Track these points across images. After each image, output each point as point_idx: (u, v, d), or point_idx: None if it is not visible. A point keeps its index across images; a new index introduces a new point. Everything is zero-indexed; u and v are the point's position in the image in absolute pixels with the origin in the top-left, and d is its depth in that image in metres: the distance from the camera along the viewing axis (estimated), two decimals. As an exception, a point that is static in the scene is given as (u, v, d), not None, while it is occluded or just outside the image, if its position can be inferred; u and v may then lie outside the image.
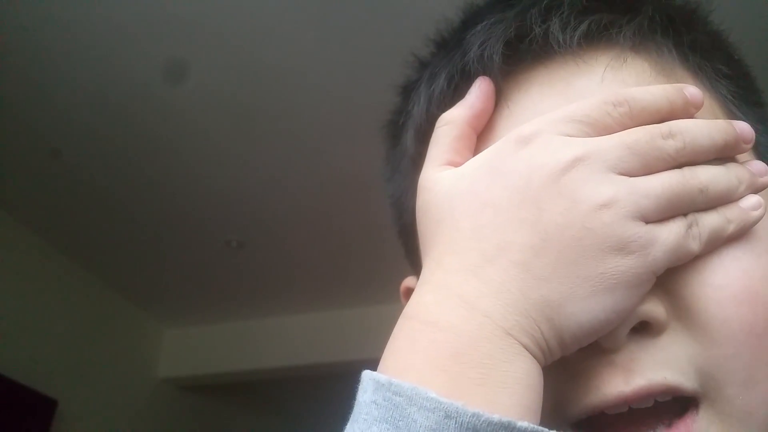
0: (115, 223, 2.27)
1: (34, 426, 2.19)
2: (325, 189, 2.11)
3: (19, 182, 2.09)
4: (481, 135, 0.39)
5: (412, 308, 0.32)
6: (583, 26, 0.37)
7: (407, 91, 0.46)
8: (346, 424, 0.29)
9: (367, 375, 0.30)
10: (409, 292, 0.45)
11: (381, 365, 0.30)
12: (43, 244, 2.35)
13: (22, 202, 2.18)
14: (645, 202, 0.31)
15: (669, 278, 0.32)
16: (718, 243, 0.32)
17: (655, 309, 0.31)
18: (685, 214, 0.32)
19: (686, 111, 0.35)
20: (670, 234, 0.31)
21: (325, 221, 2.25)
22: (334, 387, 2.93)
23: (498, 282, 0.30)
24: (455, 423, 0.26)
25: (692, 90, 0.35)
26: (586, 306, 0.29)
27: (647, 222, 0.31)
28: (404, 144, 0.43)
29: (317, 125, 1.88)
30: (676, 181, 0.32)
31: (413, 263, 0.45)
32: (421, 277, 0.33)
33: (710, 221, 0.32)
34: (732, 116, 0.38)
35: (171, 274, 2.58)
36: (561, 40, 0.37)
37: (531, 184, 0.32)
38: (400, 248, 0.48)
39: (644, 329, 0.31)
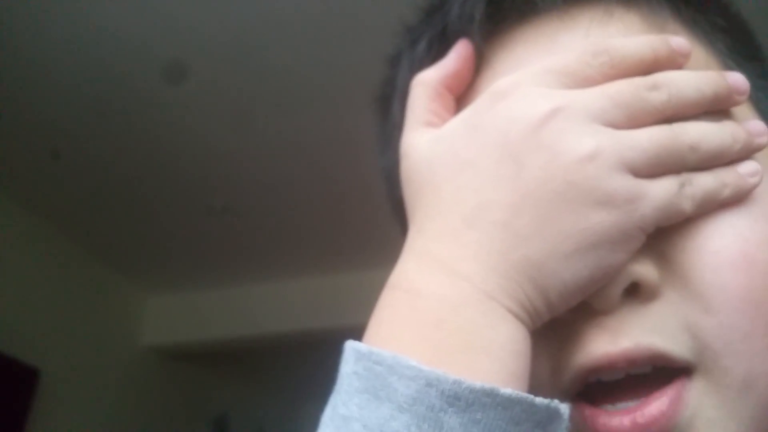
0: (94, 187, 2.23)
1: (16, 395, 2.18)
2: (313, 151, 2.08)
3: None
4: (463, 98, 0.38)
5: (395, 277, 0.31)
6: None
7: (394, 61, 0.44)
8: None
9: (349, 345, 0.29)
10: None
11: (365, 336, 0.30)
12: (19, 209, 2.30)
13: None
14: (631, 154, 0.30)
15: (662, 242, 0.31)
16: (711, 206, 0.31)
17: (647, 270, 0.30)
18: (677, 173, 0.31)
19: (673, 61, 0.33)
20: (660, 190, 0.30)
21: (313, 185, 2.23)
22: (323, 355, 2.95)
23: (477, 244, 0.29)
24: (436, 391, 0.26)
25: (678, 39, 0.34)
26: (569, 263, 0.29)
27: (635, 176, 0.30)
28: (393, 115, 0.42)
29: (306, 88, 1.84)
30: (664, 135, 0.31)
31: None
32: (405, 245, 0.32)
33: (704, 182, 0.31)
34: (729, 70, 0.37)
35: (154, 239, 2.55)
36: None
37: (509, 138, 0.30)
38: (395, 225, 0.46)
39: (636, 294, 0.31)
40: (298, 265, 2.67)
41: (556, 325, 0.30)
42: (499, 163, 0.30)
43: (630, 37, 0.34)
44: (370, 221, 2.28)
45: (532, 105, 0.31)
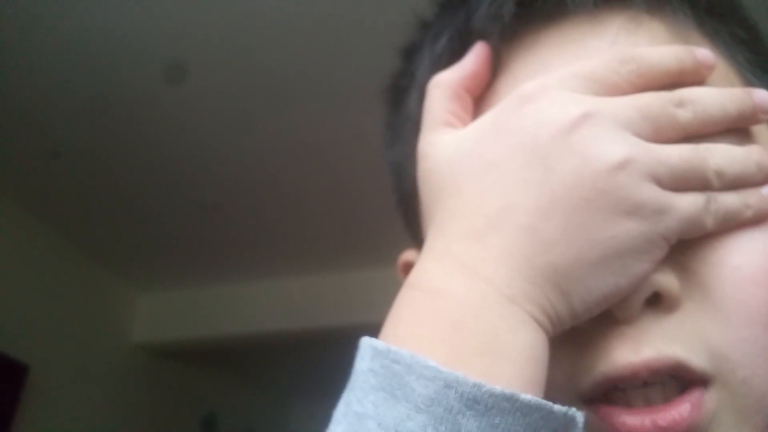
0: (85, 183, 2.21)
1: (5, 390, 2.16)
2: (307, 149, 2.08)
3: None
4: (482, 99, 0.38)
5: (414, 277, 0.31)
6: None
7: (409, 53, 0.44)
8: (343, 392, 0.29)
9: (365, 342, 0.29)
10: (408, 266, 0.44)
11: (381, 334, 0.30)
12: (9, 205, 2.29)
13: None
14: (660, 167, 0.30)
15: (683, 254, 0.31)
16: (731, 225, 0.32)
17: (669, 281, 0.30)
18: (701, 191, 0.31)
19: (697, 73, 0.34)
20: (687, 204, 0.30)
21: (305, 183, 2.22)
22: (313, 354, 2.95)
23: (502, 247, 0.29)
24: (455, 393, 0.25)
25: (703, 51, 0.34)
26: (595, 271, 0.29)
27: (662, 189, 0.30)
28: (408, 108, 0.42)
29: (300, 83, 1.84)
30: (691, 155, 0.31)
31: (413, 234, 0.44)
32: (424, 245, 0.32)
33: (728, 201, 0.31)
34: (748, 84, 0.37)
35: (145, 236, 2.53)
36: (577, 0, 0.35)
37: (538, 141, 0.30)
38: (398, 218, 0.47)
39: (657, 304, 0.31)
40: (288, 263, 2.66)
41: (574, 332, 0.30)
42: (526, 166, 0.30)
43: (657, 46, 0.34)
44: (363, 221, 2.30)
45: (562, 109, 0.30)
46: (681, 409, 0.29)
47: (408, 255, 0.45)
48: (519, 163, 0.30)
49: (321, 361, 2.69)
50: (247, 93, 1.86)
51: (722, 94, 0.33)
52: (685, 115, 0.32)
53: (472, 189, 0.31)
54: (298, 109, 1.91)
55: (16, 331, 2.24)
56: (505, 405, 0.25)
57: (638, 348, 0.30)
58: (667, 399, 0.30)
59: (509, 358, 0.27)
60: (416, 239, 0.43)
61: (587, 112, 0.30)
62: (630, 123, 0.30)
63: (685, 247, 0.31)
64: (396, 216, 0.47)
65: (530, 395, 0.26)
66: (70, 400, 2.42)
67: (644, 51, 0.33)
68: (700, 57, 0.34)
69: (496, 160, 0.31)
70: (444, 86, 0.37)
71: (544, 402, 0.26)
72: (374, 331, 0.30)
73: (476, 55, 0.37)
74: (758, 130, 0.35)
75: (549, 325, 0.29)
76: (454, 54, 0.38)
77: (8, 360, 2.18)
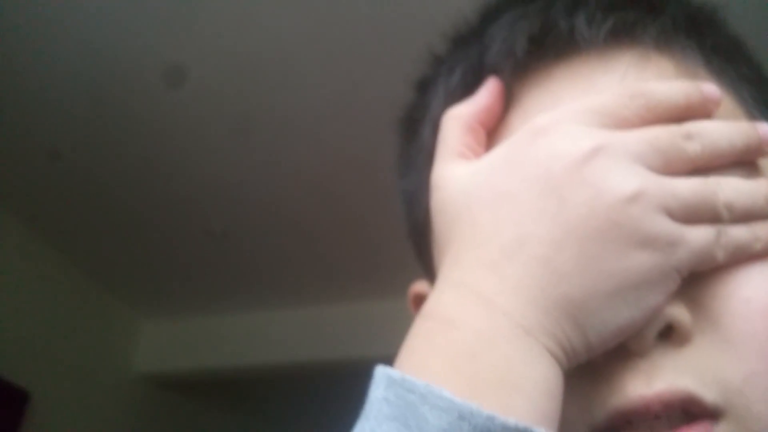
0: (91, 209, 2.22)
1: (6, 417, 2.13)
2: (313, 178, 2.08)
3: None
4: (494, 133, 0.39)
5: (429, 307, 0.31)
6: (609, 23, 0.37)
7: (422, 86, 0.45)
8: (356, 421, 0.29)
9: (380, 371, 0.29)
10: (418, 297, 0.45)
11: (396, 363, 0.30)
12: (14, 228, 2.29)
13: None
14: (673, 201, 0.30)
15: (694, 287, 0.31)
16: (741, 258, 0.32)
17: (681, 313, 0.31)
18: (711, 224, 0.31)
19: (704, 108, 0.34)
20: (698, 237, 0.30)
21: (313, 211, 2.22)
22: (318, 387, 2.92)
23: (517, 278, 0.30)
24: (469, 425, 0.26)
25: (710, 87, 0.35)
26: (610, 303, 0.29)
27: (674, 221, 0.31)
28: (422, 138, 0.43)
29: (308, 111, 1.84)
30: (702, 189, 0.32)
31: (424, 264, 0.44)
32: (438, 275, 0.33)
33: (738, 235, 0.32)
34: (754, 120, 0.38)
35: (151, 264, 2.53)
36: (587, 36, 0.37)
37: (552, 173, 0.31)
38: (409, 248, 0.48)
39: (669, 336, 0.31)
40: (296, 294, 2.65)
41: (587, 365, 0.30)
42: (540, 197, 0.31)
43: (663, 82, 0.35)
44: (372, 251, 2.29)
45: (575, 142, 0.31)
46: None
47: (419, 286, 0.45)
48: (533, 194, 0.31)
49: (328, 394, 2.65)
50: (255, 119, 1.87)
51: (729, 128, 0.34)
52: (693, 147, 0.32)
53: (487, 219, 0.32)
54: (307, 136, 1.92)
55: (18, 357, 2.23)
56: None
57: (651, 381, 0.30)
58: (672, 428, 0.30)
59: (523, 391, 0.28)
60: (427, 269, 0.43)
61: (599, 145, 0.31)
62: (641, 156, 0.31)
63: (696, 280, 0.31)
64: (406, 247, 0.47)
65: (544, 429, 0.26)
66: (70, 428, 2.39)
67: (653, 86, 0.34)
68: (706, 92, 0.35)
69: (510, 191, 0.32)
70: (458, 119, 0.38)
71: None
72: (384, 363, 0.30)
73: (489, 90, 0.38)
74: (766, 164, 0.36)
75: (564, 358, 0.29)
76: (468, 88, 0.40)
77: (9, 386, 2.16)
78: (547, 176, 0.31)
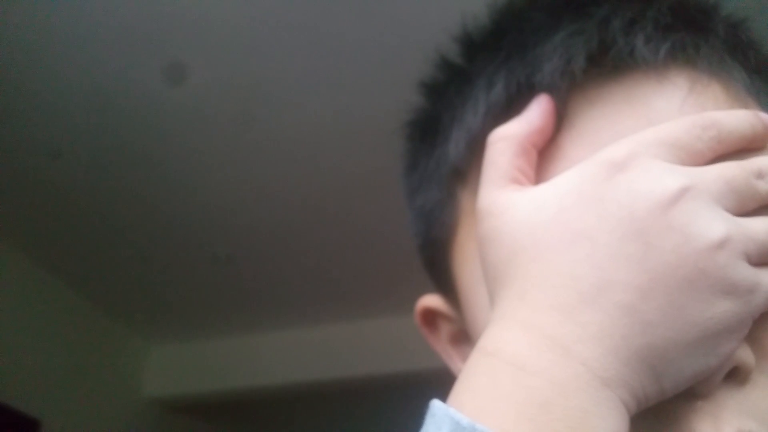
0: (97, 235, 2.22)
1: (17, 447, 2.13)
2: (316, 201, 2.08)
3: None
4: (543, 153, 0.37)
5: (491, 344, 0.30)
6: (668, 43, 0.36)
7: (435, 92, 0.43)
8: None
9: (442, 410, 0.27)
10: (427, 312, 0.43)
11: (455, 400, 0.28)
12: (21, 257, 2.29)
13: None
14: (752, 245, 0.29)
15: (755, 326, 0.31)
16: None
17: (747, 355, 0.31)
18: None
19: (765, 138, 0.34)
20: None
21: (316, 234, 2.22)
22: (330, 407, 2.89)
23: (598, 326, 0.28)
24: None
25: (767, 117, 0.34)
26: (690, 352, 0.28)
27: (752, 265, 0.30)
28: (447, 151, 0.41)
29: (309, 135, 1.85)
30: None
31: (439, 280, 0.43)
32: (497, 310, 0.31)
33: None
34: None
35: (157, 289, 2.53)
36: (646, 56, 0.35)
37: (635, 215, 0.29)
38: (417, 264, 0.45)
39: (732, 377, 0.31)
40: (305, 314, 2.64)
41: (651, 408, 0.29)
42: (624, 241, 0.29)
43: (729, 111, 0.34)
44: (376, 272, 2.28)
45: (658, 182, 0.29)
46: None
47: (428, 300, 0.44)
48: (615, 236, 0.29)
49: (337, 414, 2.64)
50: (259, 145, 1.87)
51: None
52: (764, 186, 0.31)
53: (560, 259, 0.30)
54: (309, 159, 1.92)
55: (28, 386, 2.22)
56: None
57: (717, 425, 0.30)
58: None
59: None
60: (443, 286, 0.42)
61: (684, 186, 0.29)
62: (721, 197, 0.30)
63: (758, 319, 0.31)
64: (411, 265, 0.45)
65: None
66: (81, 456, 2.38)
67: (721, 116, 0.33)
68: (766, 122, 0.34)
69: (587, 231, 0.30)
70: (511, 140, 0.35)
71: None
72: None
73: (542, 109, 0.36)
74: None
75: (635, 406, 0.28)
76: (511, 104, 0.38)
77: (20, 415, 2.15)
78: (630, 218, 0.29)
